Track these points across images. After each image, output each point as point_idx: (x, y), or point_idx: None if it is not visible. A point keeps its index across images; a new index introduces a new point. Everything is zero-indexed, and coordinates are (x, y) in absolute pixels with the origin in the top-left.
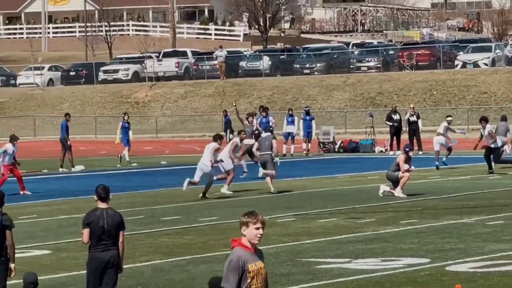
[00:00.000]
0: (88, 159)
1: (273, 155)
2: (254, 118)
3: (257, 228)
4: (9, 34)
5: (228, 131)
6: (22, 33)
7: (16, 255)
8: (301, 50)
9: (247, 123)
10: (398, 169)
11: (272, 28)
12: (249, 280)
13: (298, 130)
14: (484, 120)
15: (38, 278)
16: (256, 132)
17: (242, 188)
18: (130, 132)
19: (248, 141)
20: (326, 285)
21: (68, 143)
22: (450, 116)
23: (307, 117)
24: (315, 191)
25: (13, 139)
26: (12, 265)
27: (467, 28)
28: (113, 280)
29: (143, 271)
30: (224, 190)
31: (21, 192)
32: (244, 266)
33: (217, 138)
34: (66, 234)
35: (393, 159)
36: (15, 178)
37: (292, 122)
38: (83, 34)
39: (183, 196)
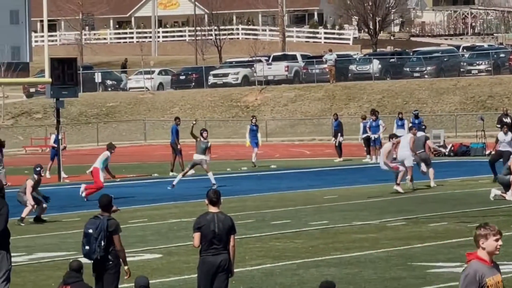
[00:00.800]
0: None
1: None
2: (207, 133)
3: (497, 240)
4: (119, 38)
5: (339, 134)
6: (132, 37)
7: (127, 259)
8: (411, 54)
9: (201, 139)
10: (510, 173)
11: (382, 32)
12: None
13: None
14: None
15: (149, 281)
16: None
17: (351, 192)
18: (259, 135)
19: (198, 156)
20: None
21: (178, 147)
22: None
23: (416, 121)
24: (425, 194)
25: (110, 147)
26: (125, 268)
27: None
28: (224, 284)
29: (254, 275)
30: (397, 187)
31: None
32: (481, 281)
33: (393, 136)
34: (177, 238)
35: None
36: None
37: (402, 126)
38: (193, 38)
39: (293, 200)
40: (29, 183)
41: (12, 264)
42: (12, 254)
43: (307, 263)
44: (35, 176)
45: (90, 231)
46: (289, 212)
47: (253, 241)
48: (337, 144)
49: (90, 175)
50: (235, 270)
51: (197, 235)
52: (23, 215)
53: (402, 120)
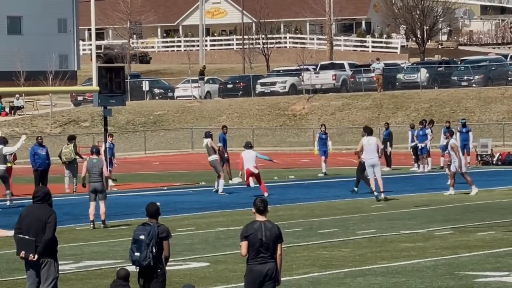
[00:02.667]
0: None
1: None
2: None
3: None
4: (167, 46)
5: (388, 143)
6: (179, 46)
7: (174, 267)
8: (459, 62)
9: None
10: None
11: (429, 40)
12: None
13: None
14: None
15: None
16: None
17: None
18: (330, 143)
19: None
20: None
21: (226, 155)
22: None
23: (463, 129)
24: (473, 204)
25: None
26: None
27: None
28: None
29: (301, 284)
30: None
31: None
32: None
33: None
34: (224, 246)
35: None
36: None
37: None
38: (241, 46)
39: (341, 208)
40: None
41: (60, 273)
42: (59, 263)
43: (354, 272)
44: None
45: (142, 237)
46: (336, 221)
47: (300, 249)
48: (388, 153)
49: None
50: (282, 279)
51: (244, 244)
52: None
53: (449, 129)
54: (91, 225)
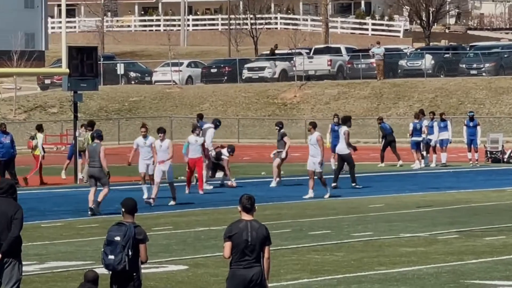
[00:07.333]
0: (230, 165)
1: None
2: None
3: None
4: (145, 26)
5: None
6: (159, 25)
7: (150, 270)
8: (468, 49)
9: None
10: None
11: (435, 24)
12: None
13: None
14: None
15: None
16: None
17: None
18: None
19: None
20: None
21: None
22: None
23: (471, 123)
24: (481, 205)
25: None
26: None
27: None
28: None
29: None
30: None
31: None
32: None
33: None
34: (205, 248)
35: None
36: None
37: (445, 128)
38: (226, 27)
39: (335, 208)
40: None
41: (23, 274)
42: (22, 263)
43: (349, 278)
44: None
45: (117, 238)
46: (329, 222)
47: (289, 253)
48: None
49: None
50: (269, 285)
51: (228, 245)
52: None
53: (444, 121)
54: (89, 212)
